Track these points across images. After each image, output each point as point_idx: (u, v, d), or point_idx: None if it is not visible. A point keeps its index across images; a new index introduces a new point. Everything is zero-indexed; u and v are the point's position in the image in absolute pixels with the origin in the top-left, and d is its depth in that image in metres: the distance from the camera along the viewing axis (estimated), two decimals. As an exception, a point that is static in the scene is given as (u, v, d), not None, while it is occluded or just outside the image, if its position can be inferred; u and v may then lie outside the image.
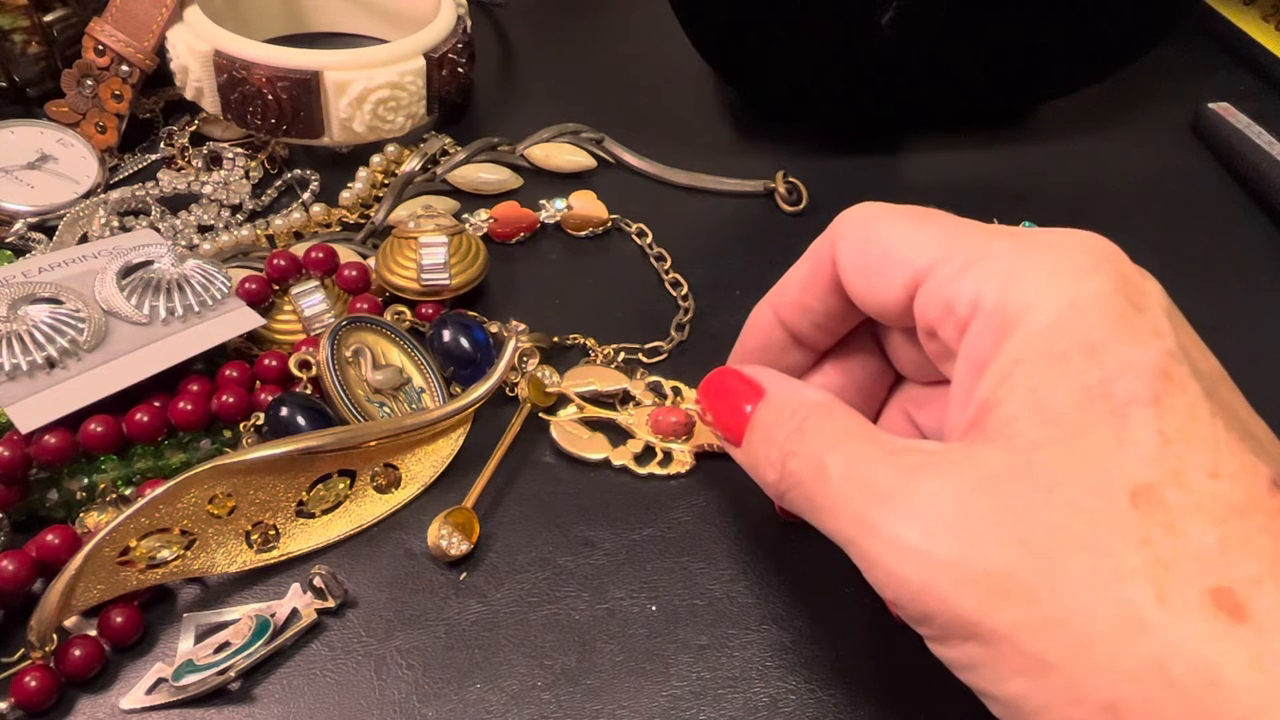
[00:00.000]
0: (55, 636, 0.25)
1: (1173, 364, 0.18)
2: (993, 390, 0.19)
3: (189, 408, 0.29)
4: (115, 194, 0.38)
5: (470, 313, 0.35)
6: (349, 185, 0.40)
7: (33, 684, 0.24)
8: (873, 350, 0.27)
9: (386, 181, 0.41)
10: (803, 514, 0.21)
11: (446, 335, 0.32)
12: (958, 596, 0.17)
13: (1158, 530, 0.16)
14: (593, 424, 0.32)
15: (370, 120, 0.39)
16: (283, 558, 0.28)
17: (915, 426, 0.26)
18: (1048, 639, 0.16)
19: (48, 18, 0.41)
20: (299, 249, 0.35)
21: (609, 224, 0.40)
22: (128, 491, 0.29)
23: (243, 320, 0.32)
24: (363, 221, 0.40)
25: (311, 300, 0.34)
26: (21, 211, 0.37)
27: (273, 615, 0.26)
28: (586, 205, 0.40)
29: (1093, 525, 0.17)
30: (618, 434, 0.32)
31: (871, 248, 0.22)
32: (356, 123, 0.39)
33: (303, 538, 0.28)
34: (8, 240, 0.37)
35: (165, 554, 0.26)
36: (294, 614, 0.26)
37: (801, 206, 0.42)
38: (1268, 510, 0.16)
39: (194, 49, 0.38)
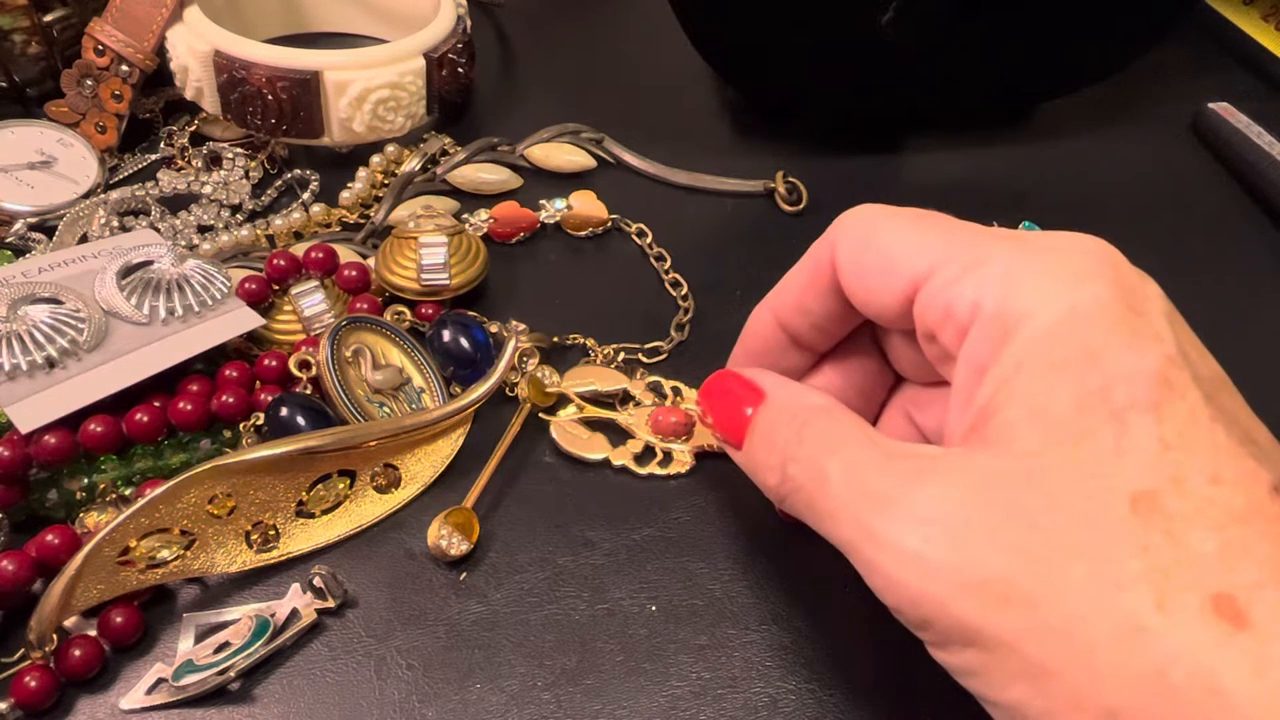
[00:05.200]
0: (55, 636, 0.25)
1: (1173, 370, 0.18)
2: (992, 396, 0.19)
3: (189, 408, 0.29)
4: (115, 194, 0.38)
5: (470, 313, 0.35)
6: (349, 185, 0.40)
7: (33, 684, 0.24)
8: (872, 352, 0.27)
9: (386, 181, 0.41)
10: (803, 518, 0.21)
11: (446, 335, 0.32)
12: (958, 603, 0.17)
13: (1158, 537, 0.16)
14: (593, 424, 0.32)
15: (370, 120, 0.39)
16: (283, 558, 0.28)
17: (916, 427, 0.26)
18: (1048, 645, 0.17)
19: (48, 18, 0.40)
20: (299, 249, 0.35)
21: (609, 224, 0.40)
22: (128, 491, 0.29)
23: (243, 320, 0.32)
24: (363, 221, 0.40)
25: (311, 300, 0.34)
26: (21, 211, 0.37)
27: (273, 615, 0.26)
28: (586, 205, 0.40)
29: (1093, 532, 0.17)
30: (618, 434, 0.32)
31: (871, 251, 0.22)
32: (356, 123, 0.39)
33: (303, 538, 0.28)
34: (8, 240, 0.36)
35: (165, 554, 0.26)
36: (294, 614, 0.26)
37: (801, 206, 0.42)
38: (1268, 516, 0.16)
39: (194, 49, 0.38)
